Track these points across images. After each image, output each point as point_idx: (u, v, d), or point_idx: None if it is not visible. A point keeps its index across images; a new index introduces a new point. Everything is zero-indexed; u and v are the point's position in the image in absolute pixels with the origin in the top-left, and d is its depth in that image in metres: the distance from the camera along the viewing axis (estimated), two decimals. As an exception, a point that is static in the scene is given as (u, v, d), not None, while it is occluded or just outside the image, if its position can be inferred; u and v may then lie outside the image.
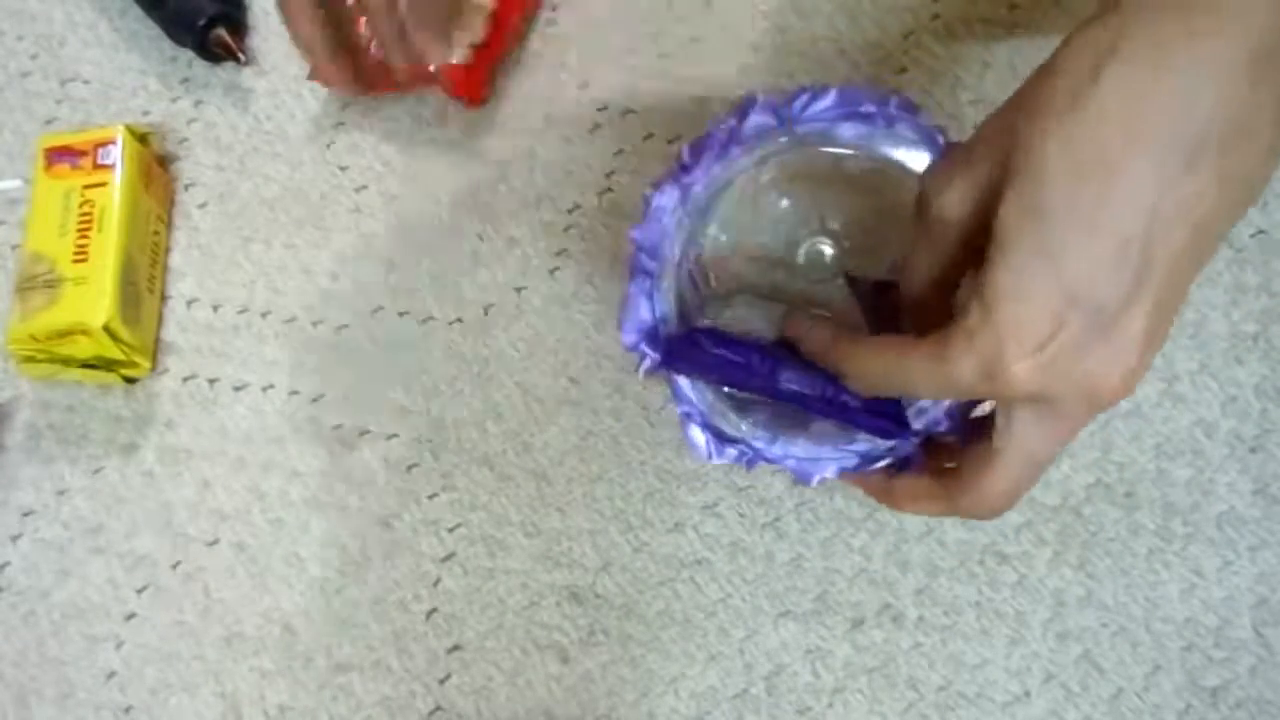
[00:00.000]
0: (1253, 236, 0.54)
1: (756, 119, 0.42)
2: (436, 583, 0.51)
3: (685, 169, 0.43)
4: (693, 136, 0.44)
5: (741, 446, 0.43)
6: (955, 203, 0.32)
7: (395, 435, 0.53)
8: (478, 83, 0.54)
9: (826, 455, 0.43)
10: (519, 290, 0.55)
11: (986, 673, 0.48)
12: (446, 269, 0.55)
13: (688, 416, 0.43)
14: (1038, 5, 0.57)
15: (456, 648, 0.50)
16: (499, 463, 0.52)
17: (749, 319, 0.44)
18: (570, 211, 0.56)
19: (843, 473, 0.43)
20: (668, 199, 0.43)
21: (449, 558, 0.51)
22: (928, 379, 0.33)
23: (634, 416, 0.52)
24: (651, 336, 0.43)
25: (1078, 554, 0.49)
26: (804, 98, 0.42)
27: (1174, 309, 0.31)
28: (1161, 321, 0.31)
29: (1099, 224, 0.29)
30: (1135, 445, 0.51)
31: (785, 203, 0.45)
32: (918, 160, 0.42)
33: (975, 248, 0.32)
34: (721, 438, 0.43)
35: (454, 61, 0.50)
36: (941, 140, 0.42)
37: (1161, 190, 0.29)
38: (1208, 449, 0.50)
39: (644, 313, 0.43)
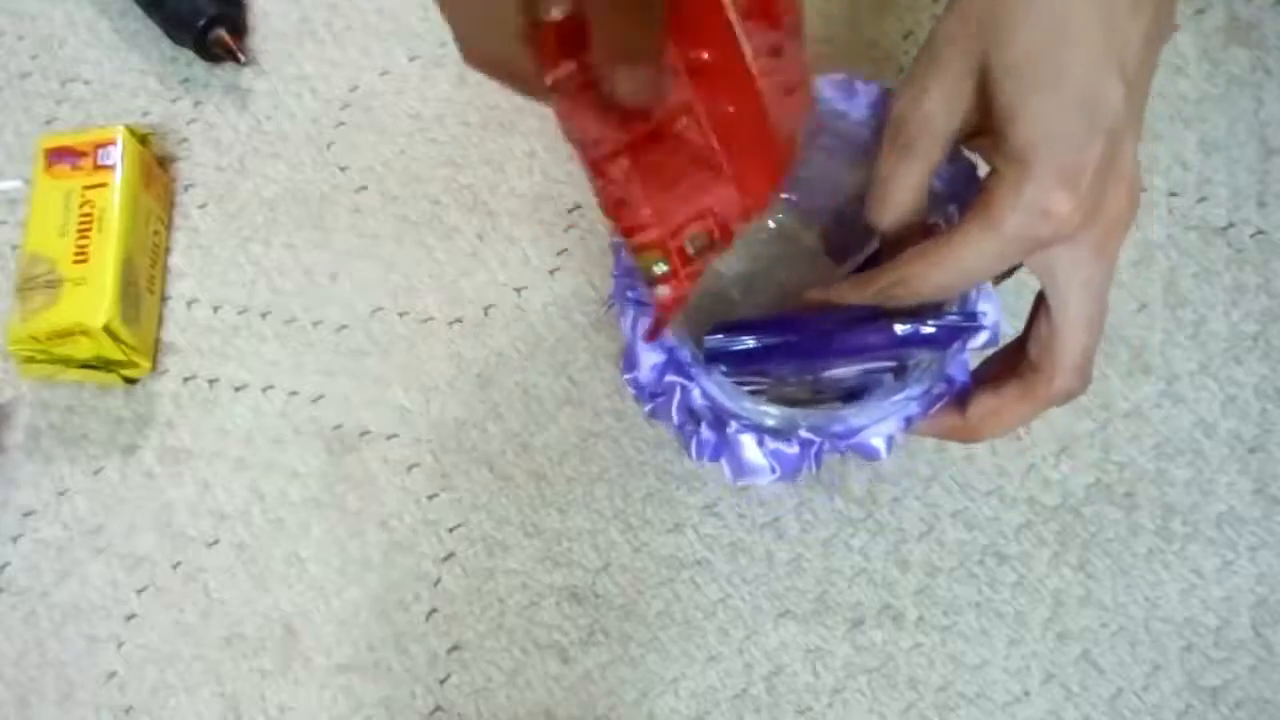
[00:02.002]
0: (1252, 237, 0.54)
1: None
2: (436, 583, 0.51)
3: None
4: None
5: (803, 434, 0.39)
6: (940, 107, 0.35)
7: (395, 435, 0.53)
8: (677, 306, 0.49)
9: (885, 413, 0.39)
10: (519, 290, 0.55)
11: (986, 673, 0.48)
12: (446, 269, 0.55)
13: (741, 430, 0.39)
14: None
15: (456, 648, 0.50)
16: (499, 463, 0.52)
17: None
18: (570, 211, 0.56)
19: (910, 425, 0.40)
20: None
21: (449, 558, 0.51)
22: (983, 251, 0.34)
23: (634, 416, 0.52)
24: (671, 365, 0.40)
25: (1077, 554, 0.49)
26: None
27: (1140, 130, 0.35)
28: (1139, 134, 0.35)
29: (1094, 58, 0.33)
30: (1135, 445, 0.51)
31: None
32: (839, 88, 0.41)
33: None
34: (778, 436, 0.39)
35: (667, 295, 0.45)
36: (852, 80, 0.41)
37: (1124, 27, 0.33)
38: (1207, 449, 0.50)
39: (651, 349, 0.40)
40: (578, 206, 0.56)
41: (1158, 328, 0.52)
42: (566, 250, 0.55)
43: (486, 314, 0.54)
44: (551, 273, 0.55)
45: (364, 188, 0.57)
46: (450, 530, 0.51)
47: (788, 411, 0.39)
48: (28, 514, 0.53)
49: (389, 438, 0.53)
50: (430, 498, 0.52)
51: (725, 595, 0.50)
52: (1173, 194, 0.54)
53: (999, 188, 0.33)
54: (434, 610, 0.50)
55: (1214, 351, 0.52)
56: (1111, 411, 0.51)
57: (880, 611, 0.49)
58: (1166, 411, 0.51)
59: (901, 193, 0.37)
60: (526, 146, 0.57)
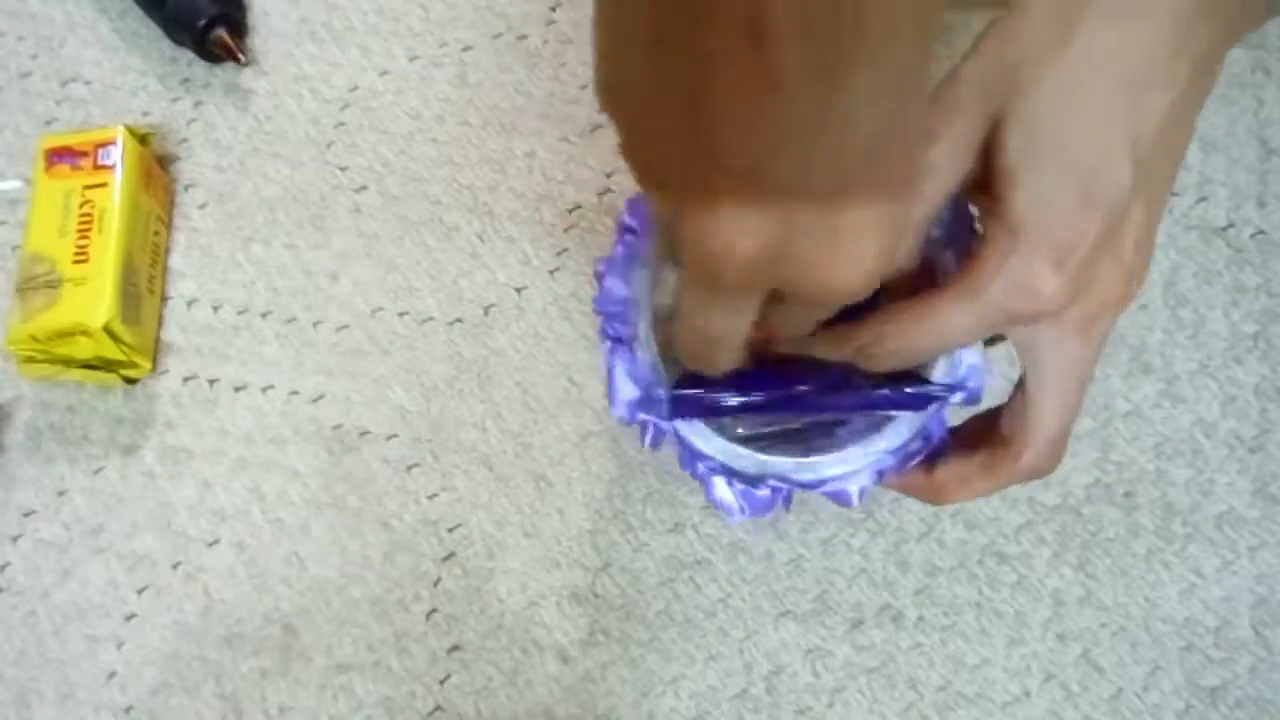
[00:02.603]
0: (1252, 237, 0.54)
1: None
2: (436, 583, 0.51)
3: (629, 229, 0.42)
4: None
5: (772, 483, 0.40)
6: (947, 156, 0.34)
7: (395, 435, 0.53)
8: None
9: (857, 464, 0.40)
10: (519, 290, 0.55)
11: (986, 673, 0.48)
12: (446, 269, 0.55)
13: (711, 472, 0.40)
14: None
15: (456, 648, 0.50)
16: (499, 463, 0.52)
17: None
18: (570, 211, 0.56)
19: (881, 478, 0.41)
20: (619, 264, 0.42)
21: (449, 558, 0.51)
22: (963, 319, 0.34)
23: (634, 417, 0.52)
24: (645, 403, 0.40)
25: (1077, 554, 0.49)
26: None
27: (1161, 207, 0.34)
28: (1152, 225, 0.34)
29: (1106, 132, 0.32)
30: (1135, 445, 0.51)
31: None
32: None
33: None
34: (747, 481, 0.40)
35: None
36: None
37: (1152, 98, 0.32)
38: (1207, 449, 0.50)
39: (628, 383, 0.40)
40: (578, 206, 0.56)
41: (1158, 328, 0.52)
42: (566, 250, 0.55)
43: (486, 314, 0.54)
44: (551, 273, 0.55)
45: (364, 188, 0.57)
46: (450, 530, 0.51)
47: (759, 459, 0.40)
48: (28, 514, 0.53)
49: (389, 438, 0.53)
50: (430, 498, 0.52)
51: (725, 595, 0.50)
52: (1173, 194, 0.54)
53: (986, 256, 0.33)
54: (434, 610, 0.50)
55: (1214, 351, 0.52)
56: (1111, 411, 0.51)
57: (880, 611, 0.49)
58: (1166, 411, 0.51)
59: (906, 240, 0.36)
60: (526, 146, 0.57)
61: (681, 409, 0.39)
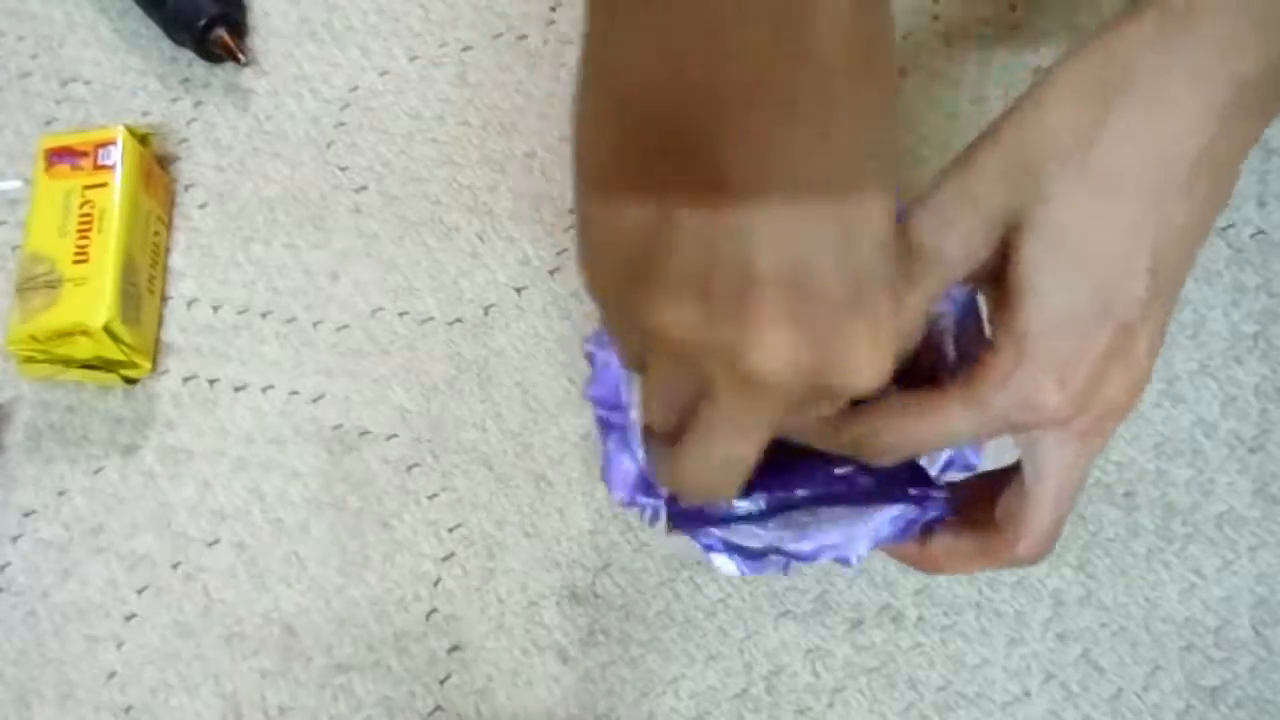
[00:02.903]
0: (1252, 237, 0.54)
1: None
2: (436, 583, 0.51)
3: None
4: None
5: (773, 556, 0.40)
6: (960, 248, 0.33)
7: (395, 435, 0.53)
8: None
9: (859, 533, 0.39)
10: (519, 290, 0.55)
11: (986, 673, 0.48)
12: (446, 269, 0.55)
13: (709, 549, 0.40)
14: (1037, 6, 0.57)
15: (456, 648, 0.50)
16: (499, 463, 0.52)
17: None
18: (570, 211, 0.56)
19: (879, 544, 0.40)
20: (610, 346, 0.42)
21: (449, 558, 0.51)
22: (964, 423, 0.33)
23: (634, 417, 0.52)
24: (643, 485, 0.40)
25: (1077, 554, 0.49)
26: None
27: (1169, 317, 0.33)
28: (1162, 331, 0.33)
29: (1127, 244, 0.31)
30: (1135, 445, 0.51)
31: None
32: None
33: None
34: (749, 555, 0.40)
35: None
36: None
37: (1170, 209, 0.31)
38: (1207, 449, 0.50)
39: (627, 464, 0.39)
40: (578, 206, 0.56)
41: (1158, 328, 0.52)
42: (566, 250, 0.55)
43: (486, 314, 0.54)
44: (551, 273, 0.55)
45: (364, 188, 0.57)
46: (450, 530, 0.51)
47: (758, 534, 0.39)
48: (28, 514, 0.53)
49: (389, 438, 0.53)
50: (430, 498, 0.52)
51: (725, 595, 0.50)
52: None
53: (992, 366, 0.32)
54: (434, 610, 0.50)
55: (1214, 351, 0.52)
56: (1111, 411, 0.51)
57: (880, 611, 0.49)
58: (1166, 411, 0.51)
59: (904, 317, 0.34)
60: (526, 146, 0.57)
61: (683, 523, 0.39)
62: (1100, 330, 0.31)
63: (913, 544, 0.39)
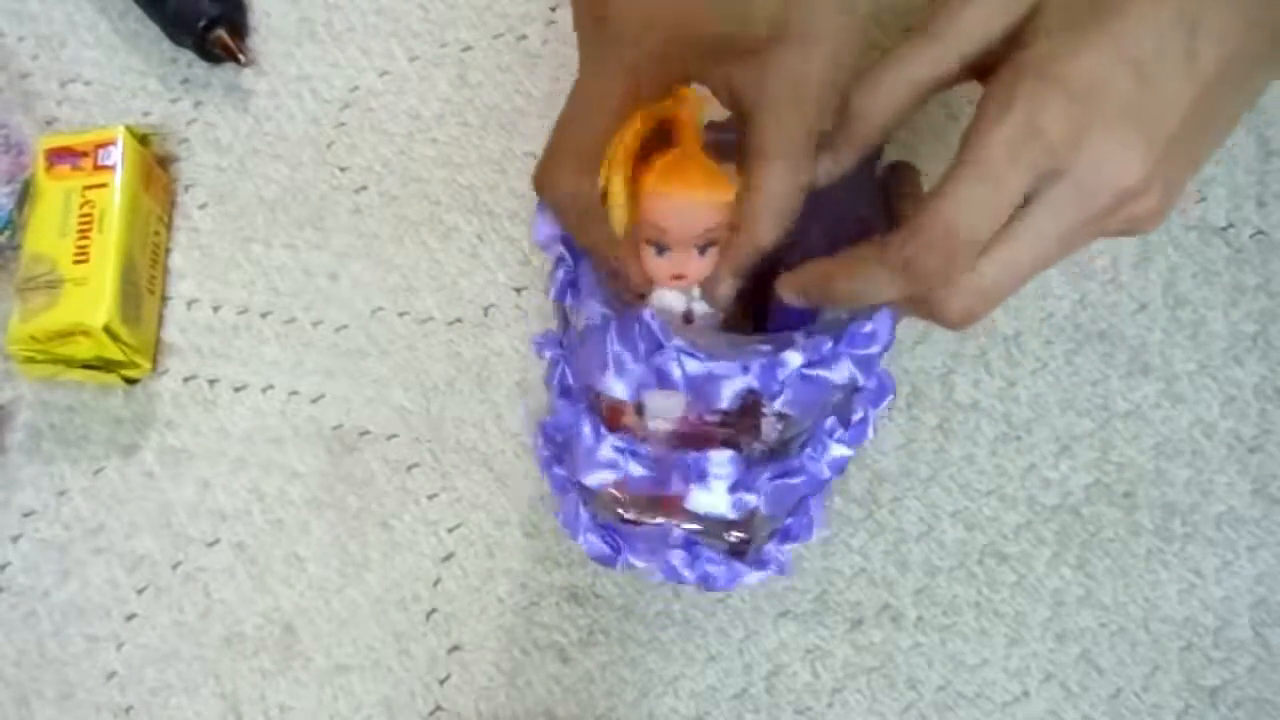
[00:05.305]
0: (1252, 237, 0.54)
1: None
2: (436, 583, 0.51)
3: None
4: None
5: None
6: (988, 12, 0.32)
7: (395, 435, 0.53)
8: None
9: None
10: (519, 290, 0.55)
11: (985, 673, 0.48)
12: (446, 269, 0.55)
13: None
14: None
15: (456, 648, 0.50)
16: (499, 463, 0.52)
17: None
18: (570, 212, 0.56)
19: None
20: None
21: (449, 558, 0.51)
22: (998, 146, 0.30)
23: (634, 417, 0.52)
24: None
25: (1077, 554, 0.49)
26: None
27: (1213, 123, 0.31)
28: (1200, 128, 0.30)
29: (1151, 2, 0.29)
30: (1135, 445, 0.51)
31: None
32: None
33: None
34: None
35: None
36: None
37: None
38: (1207, 449, 0.51)
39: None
40: (577, 207, 0.56)
41: (1157, 328, 0.52)
42: (566, 250, 0.55)
43: (486, 314, 0.55)
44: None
45: (364, 188, 0.57)
46: (450, 530, 0.51)
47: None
48: (28, 514, 0.53)
49: (389, 438, 0.53)
50: (430, 498, 0.52)
51: (725, 595, 0.50)
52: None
53: (1000, 84, 0.30)
54: (434, 610, 0.50)
55: (1213, 351, 0.52)
56: (1111, 411, 0.51)
57: (880, 611, 0.49)
58: (1166, 411, 0.51)
59: (899, 85, 0.33)
60: (526, 146, 0.57)
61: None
62: (1121, 61, 0.29)
63: (819, 262, 0.35)
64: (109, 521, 0.52)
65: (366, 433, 0.53)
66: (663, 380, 0.36)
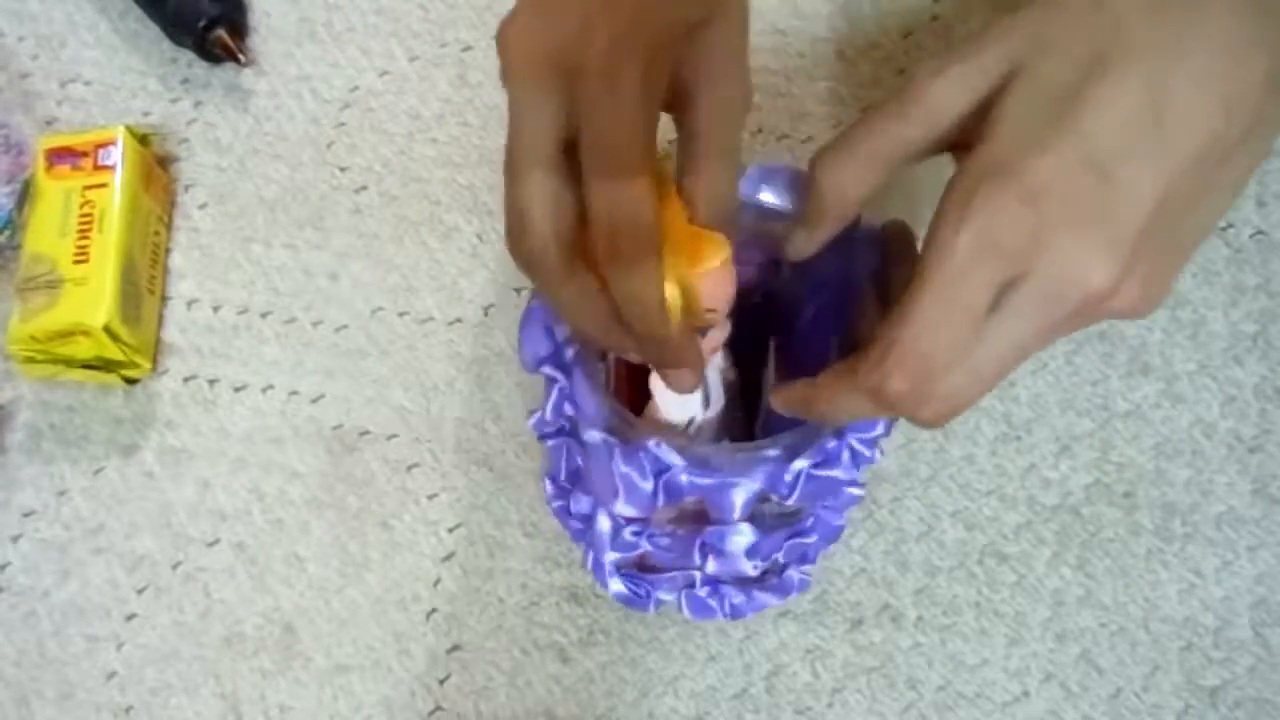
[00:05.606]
0: (1252, 237, 0.54)
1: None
2: (436, 583, 0.51)
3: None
4: None
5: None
6: (954, 91, 0.32)
7: (395, 435, 0.53)
8: None
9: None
10: (519, 290, 0.55)
11: (985, 673, 0.48)
12: (446, 269, 0.55)
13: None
14: (1037, 5, 0.57)
15: (456, 648, 0.50)
16: (499, 463, 0.52)
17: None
18: (570, 212, 0.56)
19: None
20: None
21: (449, 558, 0.51)
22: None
23: (634, 417, 0.52)
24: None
25: (1077, 554, 0.49)
26: None
27: (1193, 208, 0.30)
28: (1177, 216, 0.30)
29: (1116, 92, 0.29)
30: (1134, 445, 0.51)
31: None
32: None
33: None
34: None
35: None
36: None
37: (1177, 69, 0.29)
38: (1207, 449, 0.51)
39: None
40: (577, 207, 0.56)
41: (1157, 328, 0.52)
42: (566, 250, 0.55)
43: (486, 314, 0.55)
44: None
45: (364, 188, 0.57)
46: (450, 530, 0.51)
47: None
48: (28, 514, 0.53)
49: (389, 438, 0.53)
50: (430, 498, 0.52)
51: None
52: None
53: (965, 172, 0.30)
54: (434, 610, 0.50)
55: (1213, 351, 0.52)
56: (1111, 411, 0.51)
57: (880, 611, 0.49)
58: (1166, 411, 0.51)
59: (868, 160, 0.33)
60: (526, 147, 0.57)
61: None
62: (1079, 163, 0.29)
63: (801, 384, 0.35)
64: (109, 521, 0.52)
65: (366, 433, 0.53)
66: (672, 494, 0.36)
